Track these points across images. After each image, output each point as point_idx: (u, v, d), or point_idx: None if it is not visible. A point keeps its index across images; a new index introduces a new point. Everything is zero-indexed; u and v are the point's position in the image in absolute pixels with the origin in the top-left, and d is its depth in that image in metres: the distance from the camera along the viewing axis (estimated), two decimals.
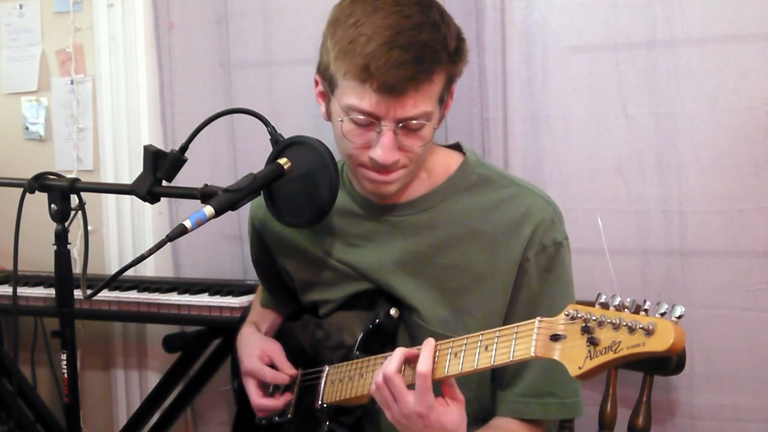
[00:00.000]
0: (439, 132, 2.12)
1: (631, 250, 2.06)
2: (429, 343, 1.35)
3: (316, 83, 1.57)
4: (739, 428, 2.01)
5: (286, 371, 1.67)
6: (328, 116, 1.55)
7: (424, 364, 1.32)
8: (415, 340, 1.55)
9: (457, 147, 1.68)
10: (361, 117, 1.44)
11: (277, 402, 1.67)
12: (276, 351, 1.70)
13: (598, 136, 2.07)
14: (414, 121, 1.44)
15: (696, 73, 1.97)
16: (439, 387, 1.36)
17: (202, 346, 2.49)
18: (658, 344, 1.06)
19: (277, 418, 1.68)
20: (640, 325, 1.07)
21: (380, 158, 1.45)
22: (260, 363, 1.68)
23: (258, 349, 1.71)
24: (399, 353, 1.37)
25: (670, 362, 1.78)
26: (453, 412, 1.34)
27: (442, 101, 1.51)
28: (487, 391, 1.60)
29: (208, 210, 1.40)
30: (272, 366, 1.69)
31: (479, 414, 1.57)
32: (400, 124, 1.44)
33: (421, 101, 1.43)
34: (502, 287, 1.55)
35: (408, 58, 1.39)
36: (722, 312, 1.99)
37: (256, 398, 1.67)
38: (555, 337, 1.18)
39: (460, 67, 1.50)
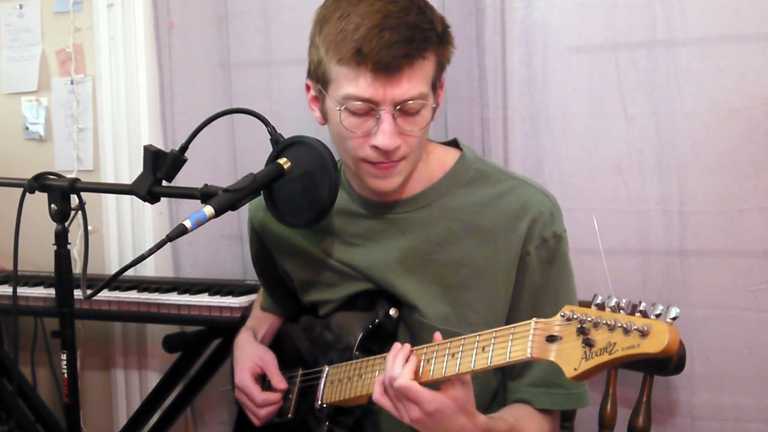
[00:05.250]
0: (439, 132, 2.13)
1: (631, 250, 2.06)
2: (405, 349, 1.37)
3: (308, 88, 1.57)
4: (739, 428, 2.01)
5: (276, 384, 1.68)
6: (324, 117, 1.55)
7: (402, 379, 1.33)
8: (416, 338, 1.55)
9: (454, 143, 1.68)
10: (359, 103, 1.44)
11: (277, 394, 1.67)
12: (268, 362, 1.70)
13: (598, 136, 2.07)
14: (411, 102, 1.44)
15: (696, 73, 1.97)
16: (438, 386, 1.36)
17: (202, 346, 2.49)
18: (652, 346, 1.06)
19: (277, 417, 1.68)
20: (635, 327, 1.07)
21: (382, 144, 1.45)
22: (251, 380, 1.69)
23: (249, 362, 1.71)
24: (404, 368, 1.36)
25: (670, 362, 1.78)
26: (458, 390, 1.34)
27: (435, 88, 1.51)
28: (489, 385, 1.60)
29: (208, 210, 1.39)
30: (264, 377, 1.70)
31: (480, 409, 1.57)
32: (398, 108, 1.44)
33: (416, 81, 1.44)
34: (503, 281, 1.55)
35: (399, 38, 1.41)
36: (722, 312, 1.99)
37: (259, 395, 1.67)
38: (551, 338, 1.18)
39: (449, 51, 1.52)
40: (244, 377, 1.69)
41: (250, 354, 1.74)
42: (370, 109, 1.45)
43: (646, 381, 1.86)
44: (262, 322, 1.89)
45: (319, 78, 1.51)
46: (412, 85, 1.43)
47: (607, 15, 2.03)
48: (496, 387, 1.63)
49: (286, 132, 1.57)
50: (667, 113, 2.00)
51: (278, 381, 1.68)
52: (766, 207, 1.95)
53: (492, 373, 1.60)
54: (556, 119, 2.11)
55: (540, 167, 2.12)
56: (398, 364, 1.35)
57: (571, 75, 2.08)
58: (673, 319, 1.07)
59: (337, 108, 1.47)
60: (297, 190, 1.53)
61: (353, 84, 1.43)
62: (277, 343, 1.80)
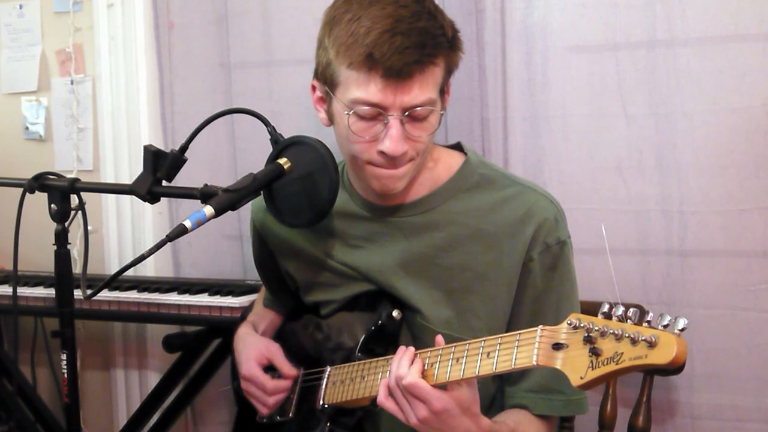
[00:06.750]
0: (439, 132, 2.13)
1: (631, 250, 2.05)
2: (410, 352, 1.37)
3: (314, 89, 1.57)
4: (739, 428, 2.01)
5: (287, 372, 1.67)
6: (330, 119, 1.55)
7: (411, 377, 1.32)
8: (418, 341, 1.55)
9: (458, 147, 1.67)
10: (367, 108, 1.44)
11: (288, 381, 1.66)
12: (275, 352, 1.70)
13: (598, 136, 2.07)
14: (419, 108, 1.44)
15: (696, 73, 1.97)
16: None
17: (202, 346, 2.49)
18: (660, 357, 1.06)
19: (278, 417, 1.68)
20: (643, 337, 1.07)
21: (390, 149, 1.45)
22: (259, 370, 1.68)
23: (255, 351, 1.70)
24: (412, 365, 1.36)
25: None
26: (464, 391, 1.34)
27: (442, 93, 1.51)
28: (487, 391, 1.60)
29: (208, 210, 1.39)
30: (271, 367, 1.69)
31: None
32: (406, 113, 1.44)
33: (426, 87, 1.44)
34: (506, 287, 1.55)
35: (411, 43, 1.40)
36: (722, 312, 1.99)
37: (269, 382, 1.66)
38: (557, 346, 1.18)
39: (458, 56, 1.52)
40: (251, 366, 1.68)
41: (255, 344, 1.73)
42: (378, 113, 1.44)
43: (646, 381, 1.86)
44: (262, 317, 1.89)
45: (326, 80, 1.50)
46: (422, 91, 1.43)
47: (607, 15, 2.03)
48: (494, 393, 1.63)
49: (287, 132, 1.57)
50: (667, 113, 2.00)
51: (288, 368, 1.67)
52: (766, 207, 1.94)
53: (490, 379, 1.59)
54: (556, 119, 2.11)
55: (540, 167, 2.12)
56: (404, 365, 1.35)
57: (571, 75, 2.08)
58: (681, 330, 1.07)
59: (345, 112, 1.46)
60: (297, 191, 1.53)
61: (363, 89, 1.43)
62: (279, 341, 1.80)
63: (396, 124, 1.44)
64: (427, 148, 1.53)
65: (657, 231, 2.03)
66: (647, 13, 1.99)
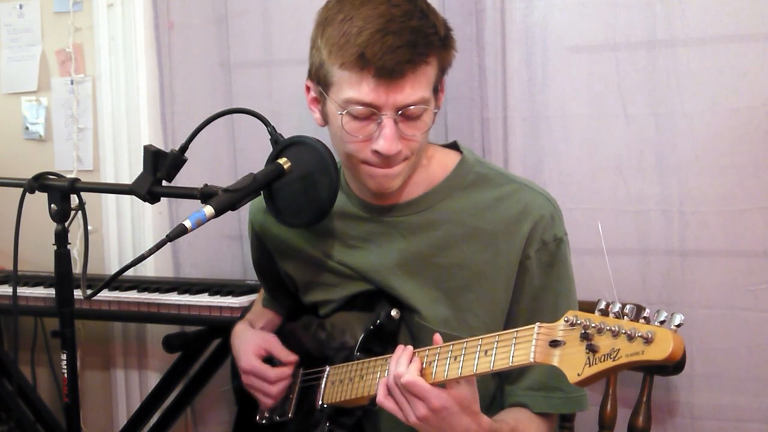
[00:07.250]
0: (438, 132, 2.13)
1: (631, 250, 2.06)
2: (408, 351, 1.37)
3: (308, 89, 1.57)
4: (739, 428, 2.01)
5: (286, 359, 1.67)
6: (324, 120, 1.55)
7: (409, 375, 1.32)
8: (416, 340, 1.55)
9: (454, 146, 1.67)
10: (360, 108, 1.44)
11: (289, 368, 1.66)
12: (272, 341, 1.70)
13: (598, 136, 2.07)
14: (412, 107, 1.44)
15: (696, 73, 1.97)
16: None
17: (202, 346, 2.49)
18: (656, 353, 1.06)
19: (277, 417, 1.68)
20: (639, 333, 1.07)
21: (384, 149, 1.45)
22: (258, 361, 1.68)
23: (253, 345, 1.70)
24: (409, 362, 1.36)
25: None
26: (463, 389, 1.34)
27: (436, 91, 1.51)
28: (487, 390, 1.60)
29: (208, 210, 1.39)
30: (270, 358, 1.69)
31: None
32: (400, 112, 1.44)
33: (419, 86, 1.44)
34: (503, 285, 1.55)
35: (403, 43, 1.40)
36: (722, 312, 1.99)
37: (271, 372, 1.65)
38: (554, 343, 1.18)
39: (451, 55, 1.52)
40: (250, 359, 1.68)
41: (252, 339, 1.73)
42: (371, 113, 1.44)
43: (646, 381, 1.86)
44: (261, 316, 1.89)
45: (320, 80, 1.50)
46: (414, 90, 1.43)
47: (607, 15, 2.03)
48: (494, 391, 1.62)
49: (286, 132, 1.57)
50: (667, 113, 2.00)
51: (287, 355, 1.67)
52: (766, 207, 1.95)
53: (490, 378, 1.59)
54: (556, 119, 2.11)
55: (540, 167, 2.12)
56: (403, 363, 1.35)
57: (571, 75, 2.08)
58: (678, 326, 1.07)
59: (339, 112, 1.46)
60: (297, 191, 1.53)
61: (355, 89, 1.43)
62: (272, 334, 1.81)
63: (389, 123, 1.44)
64: (422, 146, 1.53)
65: (657, 231, 2.04)
66: (647, 13, 1.99)
